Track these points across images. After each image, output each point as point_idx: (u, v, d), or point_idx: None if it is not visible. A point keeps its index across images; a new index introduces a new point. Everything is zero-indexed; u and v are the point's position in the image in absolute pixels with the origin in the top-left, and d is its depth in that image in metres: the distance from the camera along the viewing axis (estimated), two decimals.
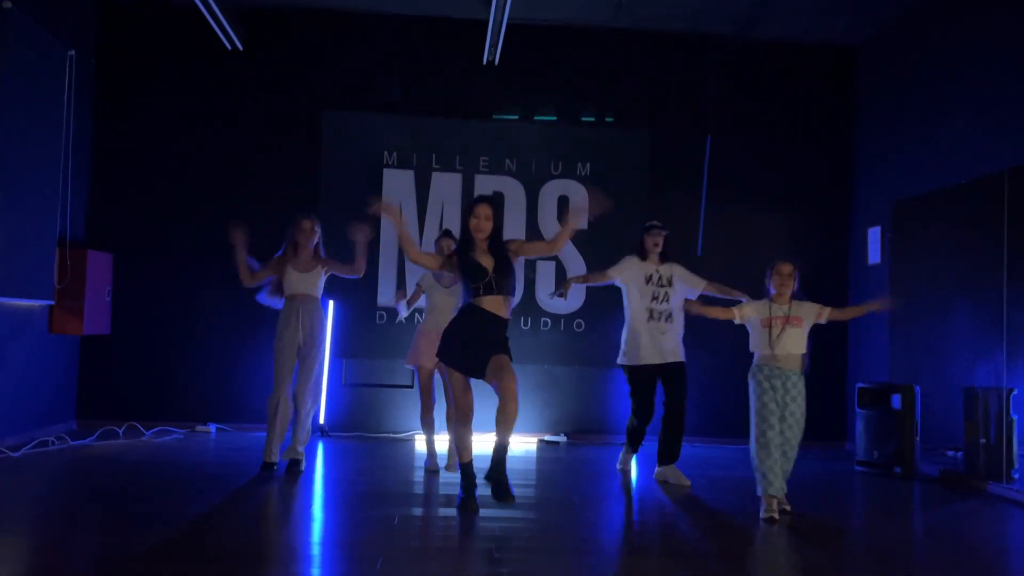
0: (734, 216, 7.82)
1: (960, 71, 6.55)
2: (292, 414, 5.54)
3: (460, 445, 4.69)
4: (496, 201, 5.02)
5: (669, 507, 5.03)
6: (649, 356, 5.70)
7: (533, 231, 7.59)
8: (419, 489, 5.36)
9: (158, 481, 5.18)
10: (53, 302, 6.61)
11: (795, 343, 4.74)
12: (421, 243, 7.41)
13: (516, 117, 7.73)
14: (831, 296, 7.78)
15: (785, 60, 7.95)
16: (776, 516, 4.62)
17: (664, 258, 5.87)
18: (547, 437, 7.47)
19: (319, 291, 5.67)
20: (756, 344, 4.82)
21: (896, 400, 6.23)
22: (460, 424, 4.67)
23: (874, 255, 7.42)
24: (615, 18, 7.59)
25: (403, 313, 6.02)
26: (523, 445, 7.12)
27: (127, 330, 7.30)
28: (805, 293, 4.96)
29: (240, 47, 7.31)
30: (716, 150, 7.82)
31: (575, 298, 7.58)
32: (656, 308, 5.74)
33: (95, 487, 5.02)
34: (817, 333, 7.71)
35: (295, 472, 5.46)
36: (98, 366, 7.30)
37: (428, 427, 5.82)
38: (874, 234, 7.43)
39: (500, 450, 4.52)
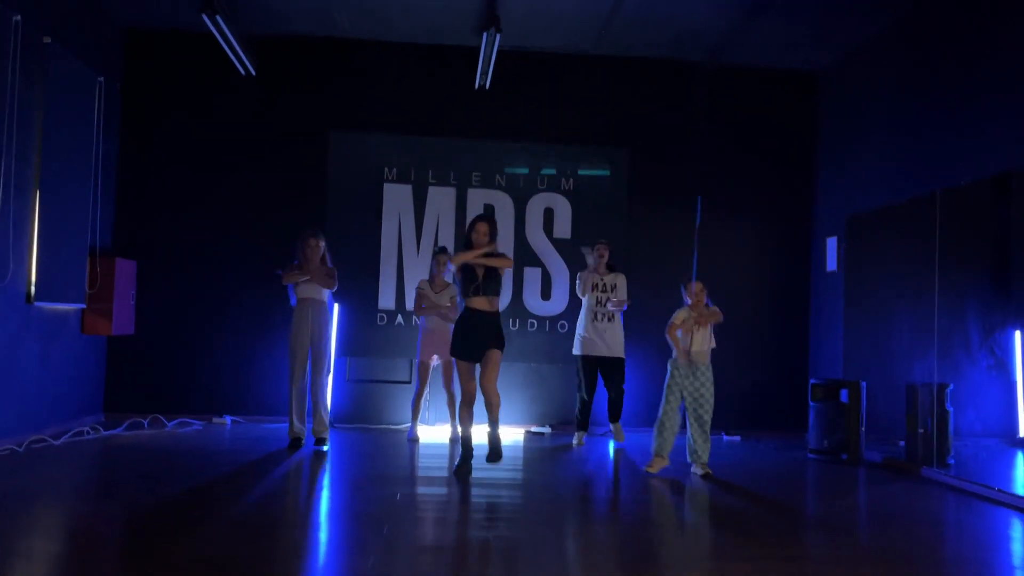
0: (705, 227, 8.50)
1: (907, 99, 7.27)
2: (308, 397, 6.56)
3: (463, 422, 5.79)
4: (492, 217, 5.84)
5: (636, 489, 5.75)
6: (592, 349, 7.24)
7: (520, 240, 8.29)
8: (418, 472, 6.06)
9: (187, 464, 5.87)
10: (85, 305, 7.29)
11: (705, 340, 6.07)
12: (418, 251, 8.12)
13: (506, 135, 8.41)
14: (794, 299, 8.59)
15: (754, 85, 8.67)
16: (654, 470, 6.02)
17: (610, 268, 7.37)
18: (533, 428, 8.18)
19: (326, 295, 6.65)
20: (683, 343, 6.08)
21: (844, 394, 6.95)
22: (465, 405, 5.77)
23: (831, 263, 8.15)
24: (598, 46, 8.30)
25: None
26: (511, 436, 7.82)
27: (150, 330, 7.98)
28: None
29: (253, 72, 8.00)
30: (686, 168, 8.53)
31: (559, 301, 8.30)
32: (599, 311, 7.23)
33: (137, 469, 5.71)
34: (781, 334, 8.52)
35: (322, 444, 6.56)
36: (124, 363, 7.99)
37: (417, 409, 7.32)
38: (831, 244, 8.15)
39: (493, 438, 5.74)
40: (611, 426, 7.49)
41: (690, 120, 8.60)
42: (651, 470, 6.06)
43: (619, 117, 8.56)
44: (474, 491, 5.34)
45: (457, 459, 5.88)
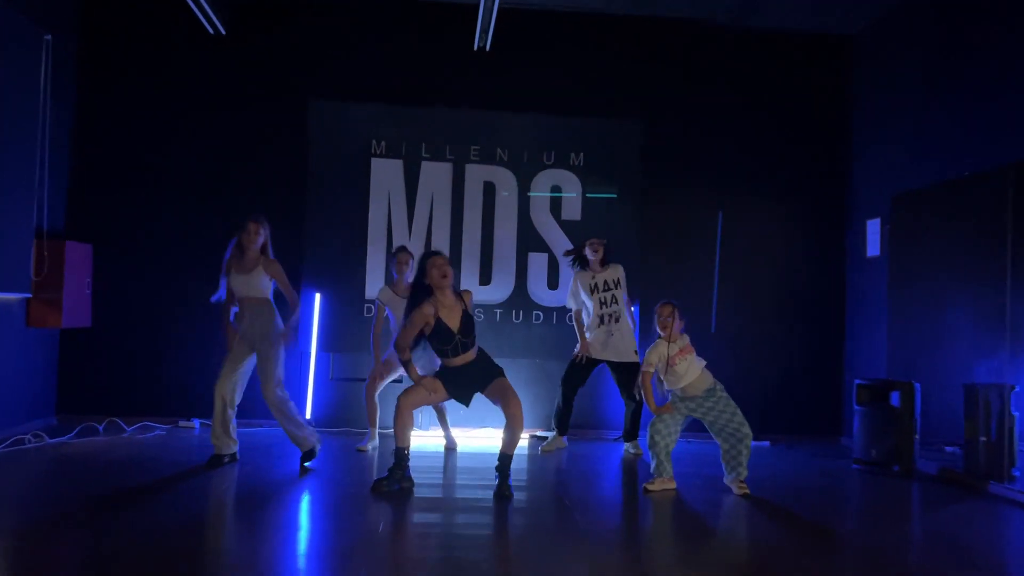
0: (728, 209, 7.67)
1: (960, 60, 6.39)
2: (231, 410, 5.58)
3: (401, 434, 4.99)
4: (444, 255, 5.12)
5: (665, 512, 4.90)
6: (592, 352, 6.50)
7: (525, 221, 7.43)
8: (416, 491, 5.20)
9: (132, 482, 4.99)
10: (30, 295, 6.41)
11: (694, 368, 5.25)
12: (410, 234, 7.25)
13: (508, 105, 7.52)
14: (829, 289, 7.73)
15: (780, 50, 7.78)
16: (655, 489, 5.21)
17: (605, 262, 6.53)
18: (539, 432, 7.33)
19: (266, 291, 5.58)
20: (673, 383, 5.27)
21: (895, 397, 6.10)
22: (404, 410, 4.95)
23: (873, 247, 7.28)
24: (611, 4, 7.40)
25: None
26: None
27: (109, 323, 7.12)
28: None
29: (223, 32, 7.10)
30: (710, 142, 7.66)
31: (567, 290, 7.42)
32: (606, 313, 6.45)
33: (62, 490, 4.85)
34: (813, 328, 7.66)
35: (310, 457, 5.61)
36: (79, 360, 7.12)
37: (371, 397, 6.30)
38: (873, 226, 7.28)
39: (503, 459, 5.01)
40: (626, 445, 6.65)
41: (711, 89, 7.71)
42: (652, 488, 5.23)
43: (633, 85, 7.67)
44: (471, 519, 4.48)
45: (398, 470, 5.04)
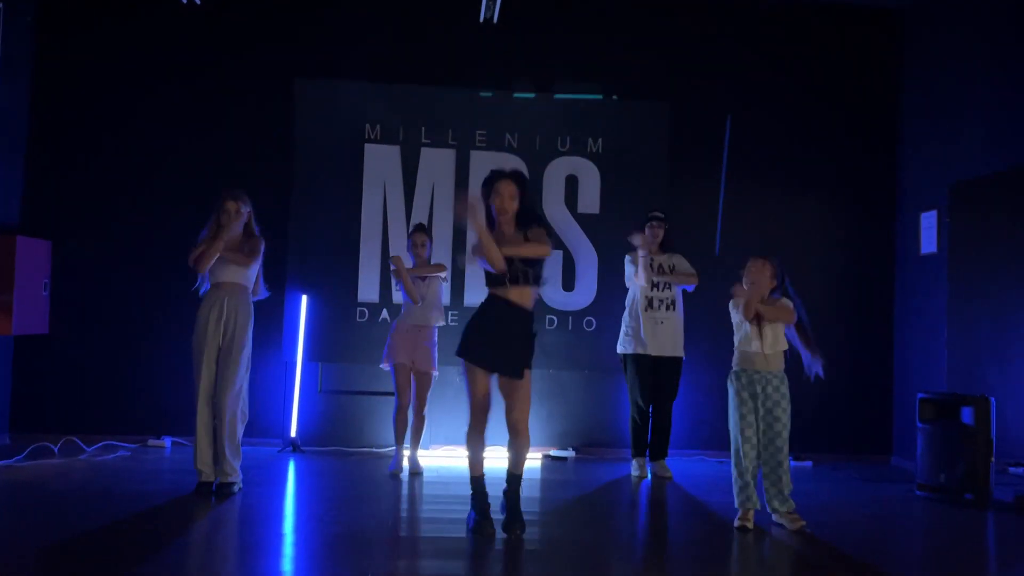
0: (764, 201, 6.88)
1: None
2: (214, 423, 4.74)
3: (472, 458, 4.21)
4: (520, 177, 4.16)
5: (699, 543, 4.09)
6: (645, 346, 5.75)
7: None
8: (402, 529, 4.40)
9: (87, 515, 4.19)
10: None
11: (774, 340, 4.46)
12: (408, 228, 6.44)
13: (519, 86, 6.73)
14: (876, 290, 6.92)
15: (821, 25, 6.99)
16: (749, 525, 4.37)
17: (665, 248, 5.92)
18: (553, 452, 6.53)
19: (249, 280, 4.85)
20: (745, 342, 4.50)
21: (967, 414, 5.30)
22: (474, 432, 4.18)
23: (928, 244, 6.48)
24: None
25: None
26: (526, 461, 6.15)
27: (68, 329, 6.33)
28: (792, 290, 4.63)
29: (198, 2, 6.31)
30: (743, 127, 6.86)
31: (585, 292, 6.66)
32: (656, 296, 5.80)
33: (6, 523, 4.05)
34: (858, 334, 6.86)
35: (225, 495, 4.66)
36: (33, 370, 6.32)
37: (400, 427, 5.58)
38: (928, 220, 6.49)
39: (512, 481, 4.16)
40: (653, 464, 5.85)
41: (745, 68, 6.92)
42: (747, 524, 4.39)
43: (659, 63, 6.88)
44: (484, 567, 3.67)
45: (471, 513, 4.21)
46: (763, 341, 4.42)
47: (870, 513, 5.06)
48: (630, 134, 6.73)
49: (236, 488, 4.75)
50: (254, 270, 4.88)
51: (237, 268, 4.79)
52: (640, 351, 5.76)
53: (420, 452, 5.75)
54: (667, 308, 5.80)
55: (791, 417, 4.47)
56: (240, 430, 4.78)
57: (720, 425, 6.60)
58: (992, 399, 5.30)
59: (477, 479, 4.19)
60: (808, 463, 6.53)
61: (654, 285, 5.80)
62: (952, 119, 6.38)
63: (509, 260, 4.00)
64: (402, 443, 5.62)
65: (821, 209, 6.97)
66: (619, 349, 5.91)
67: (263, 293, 5.01)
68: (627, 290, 5.98)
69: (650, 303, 5.79)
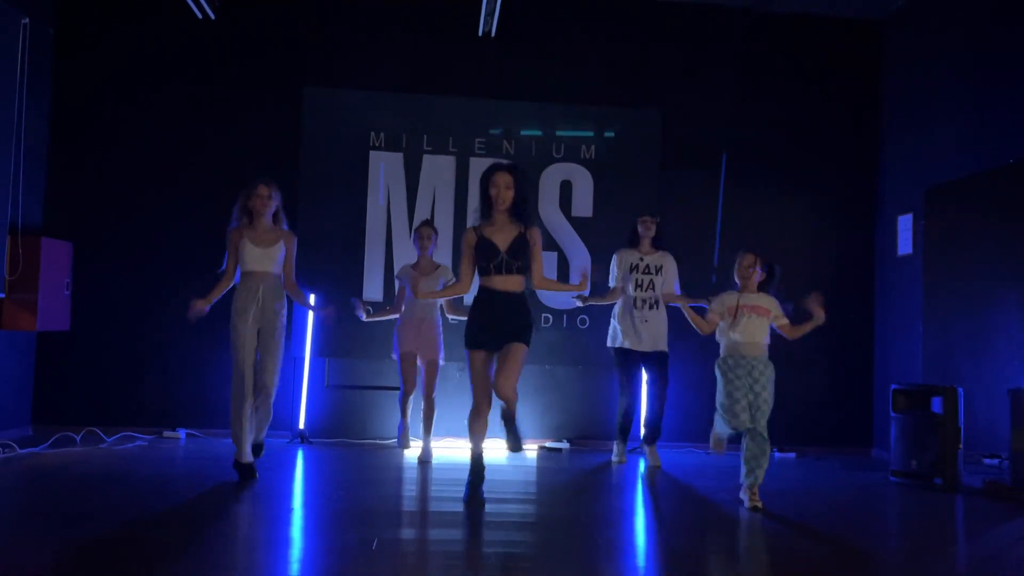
0: (752, 205, 7.20)
1: (1000, 43, 5.95)
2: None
3: (474, 434, 4.55)
4: (516, 168, 4.51)
5: (688, 526, 4.41)
6: (631, 343, 5.96)
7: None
8: (407, 505, 4.73)
9: (103, 498, 4.52)
10: (2, 295, 5.97)
11: (759, 330, 4.75)
12: (410, 231, 6.78)
13: (515, 94, 7.08)
14: (857, 289, 7.24)
15: (805, 34, 7.33)
16: (759, 504, 4.63)
17: (658, 245, 6.10)
18: (548, 444, 6.85)
19: (280, 267, 5.02)
20: (722, 332, 4.84)
21: (937, 404, 5.61)
22: (476, 413, 4.51)
23: (905, 245, 6.81)
24: None
25: (362, 317, 6.00)
26: (523, 452, 6.47)
27: (88, 326, 6.66)
28: (782, 285, 4.99)
29: (212, 16, 6.66)
30: (730, 134, 7.19)
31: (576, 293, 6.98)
32: (640, 296, 5.98)
33: (25, 504, 4.38)
34: (840, 331, 7.16)
35: (258, 454, 5.15)
36: (56, 366, 6.65)
37: (406, 406, 5.96)
38: (905, 222, 6.82)
39: (508, 413, 4.42)
40: (645, 448, 6.13)
41: (733, 78, 7.26)
42: (755, 505, 4.64)
43: (650, 72, 7.23)
44: (481, 534, 4.00)
45: (466, 486, 4.60)
46: (743, 330, 4.71)
47: (847, 497, 5.37)
48: (622, 140, 7.06)
49: (262, 451, 5.19)
50: (282, 255, 4.97)
51: (270, 257, 4.93)
52: (626, 345, 6.00)
53: (431, 442, 6.02)
54: (651, 307, 6.00)
55: (774, 409, 4.74)
56: (272, 399, 5.02)
57: (706, 418, 6.94)
58: (960, 389, 5.60)
59: (477, 457, 4.54)
60: (792, 455, 6.84)
61: (638, 285, 6.01)
62: (926, 125, 6.70)
63: (495, 252, 4.37)
64: (407, 417, 5.97)
65: (805, 212, 7.29)
66: (608, 343, 6.17)
67: (294, 285, 5.09)
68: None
69: (635, 302, 6.00)
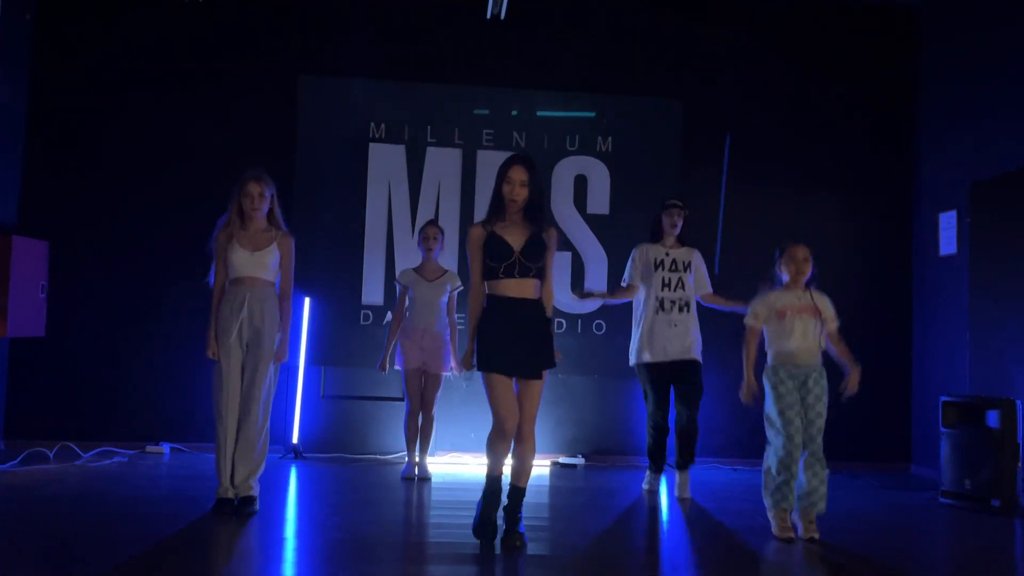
0: (780, 202, 6.72)
1: None
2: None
3: (494, 455, 3.85)
4: (532, 163, 3.96)
5: (717, 554, 3.90)
6: (660, 353, 5.17)
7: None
8: (412, 534, 4.22)
9: (82, 521, 4.03)
10: None
11: (813, 334, 4.24)
12: (413, 230, 6.31)
13: (526, 82, 6.60)
14: (893, 292, 6.75)
15: (836, 24, 6.86)
16: (793, 535, 4.13)
17: (683, 241, 5.38)
18: (562, 459, 6.34)
19: (273, 274, 4.40)
20: (770, 339, 4.32)
21: (992, 417, 5.11)
22: (500, 439, 3.81)
23: (947, 244, 6.31)
24: None
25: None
26: (534, 469, 5.96)
27: (65, 331, 6.16)
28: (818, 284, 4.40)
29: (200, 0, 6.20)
30: (758, 126, 6.73)
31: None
32: (668, 297, 5.22)
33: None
34: (874, 338, 6.67)
35: (248, 513, 4.25)
36: (28, 375, 6.16)
37: (412, 432, 5.44)
38: (947, 220, 6.32)
39: (514, 495, 3.89)
40: (676, 475, 5.23)
41: (759, 66, 6.79)
42: (788, 536, 4.11)
43: (671, 60, 6.75)
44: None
45: (477, 510, 3.93)
46: (794, 335, 4.21)
47: (894, 521, 4.88)
48: (641, 133, 6.58)
49: (256, 506, 4.29)
50: (276, 260, 4.38)
51: (260, 261, 4.33)
52: (653, 359, 5.19)
53: (427, 458, 5.55)
54: (680, 309, 5.22)
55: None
56: (265, 438, 4.34)
57: (732, 432, 6.46)
58: (1018, 402, 5.11)
59: (495, 479, 3.86)
60: (827, 471, 6.32)
61: (665, 284, 5.25)
62: (970, 118, 6.23)
63: (506, 251, 3.81)
64: (414, 448, 5.45)
65: (836, 210, 6.81)
66: (631, 360, 5.36)
67: (290, 293, 4.48)
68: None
69: (661, 304, 5.22)
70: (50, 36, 6.34)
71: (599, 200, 6.56)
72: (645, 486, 5.35)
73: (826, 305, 4.29)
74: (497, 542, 3.82)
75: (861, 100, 6.85)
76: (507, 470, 3.90)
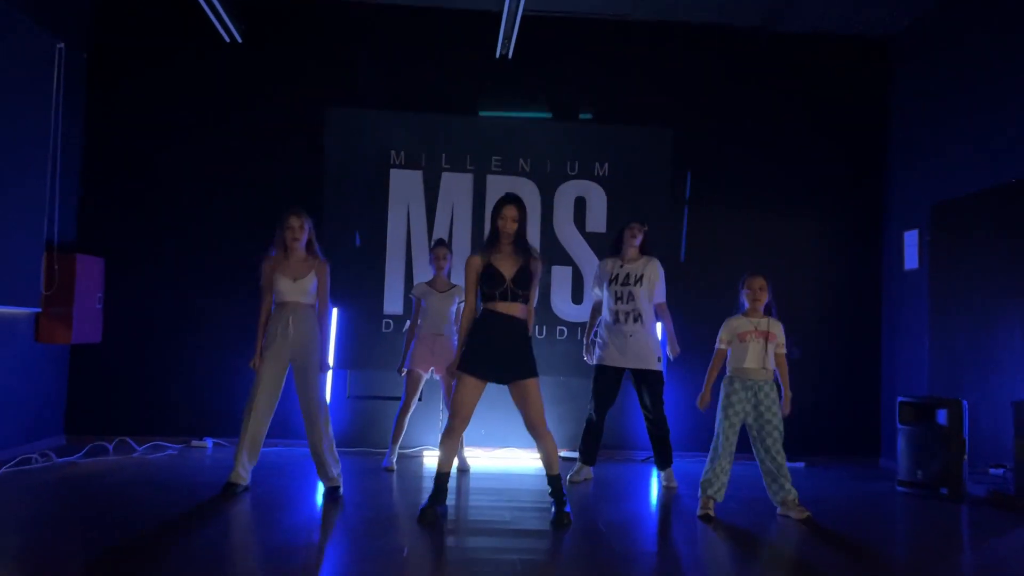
0: (759, 220, 7.41)
1: (1006, 60, 6.13)
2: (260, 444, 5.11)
3: (446, 453, 4.65)
4: (521, 203, 4.74)
5: (703, 534, 4.60)
6: (613, 359, 5.68)
7: (548, 233, 7.18)
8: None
9: (140, 503, 4.75)
10: (39, 309, 6.21)
11: (767, 354, 4.88)
12: (429, 246, 6.96)
13: (530, 114, 7.31)
14: (864, 303, 7.43)
15: (813, 53, 7.54)
16: (711, 514, 4.81)
17: (643, 252, 5.79)
18: (564, 454, 6.99)
19: (312, 297, 5.13)
20: (730, 357, 4.94)
21: (942, 415, 5.78)
22: (452, 433, 4.61)
23: (911, 260, 6.98)
24: (636, 9, 7.19)
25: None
26: (536, 462, 6.66)
27: (119, 339, 6.89)
28: (794, 334, 5.26)
29: (239, 40, 6.93)
30: (740, 150, 7.42)
31: (591, 306, 7.17)
32: (620, 309, 5.65)
33: (70, 510, 4.60)
34: (846, 344, 7.34)
35: (336, 498, 5.04)
36: (88, 377, 6.89)
37: (399, 429, 6.10)
38: (911, 238, 6.99)
39: (552, 482, 4.68)
40: (660, 473, 5.88)
41: (743, 95, 7.47)
42: (706, 513, 4.85)
43: (662, 91, 7.44)
44: (500, 543, 4.20)
45: (426, 500, 4.70)
46: (748, 354, 4.88)
47: (856, 506, 5.51)
48: (634, 159, 7.25)
49: (341, 491, 5.08)
50: (314, 285, 5.07)
51: (300, 288, 5.00)
52: (606, 363, 5.72)
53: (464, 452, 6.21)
54: (634, 320, 5.62)
55: (783, 421, 4.92)
56: (332, 437, 5.08)
57: None
58: (964, 402, 5.78)
59: (443, 476, 4.63)
60: (801, 464, 7.00)
61: (617, 297, 5.67)
62: (934, 142, 6.87)
63: (501, 281, 4.54)
64: (397, 443, 6.15)
65: (813, 228, 7.48)
66: (591, 360, 5.90)
67: (328, 312, 5.18)
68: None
69: (616, 317, 5.66)
70: (104, 73, 7.05)
71: (597, 219, 7.24)
72: (575, 477, 5.88)
73: (778, 331, 4.95)
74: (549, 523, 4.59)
75: (838, 127, 7.53)
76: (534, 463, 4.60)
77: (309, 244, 5.17)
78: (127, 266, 6.96)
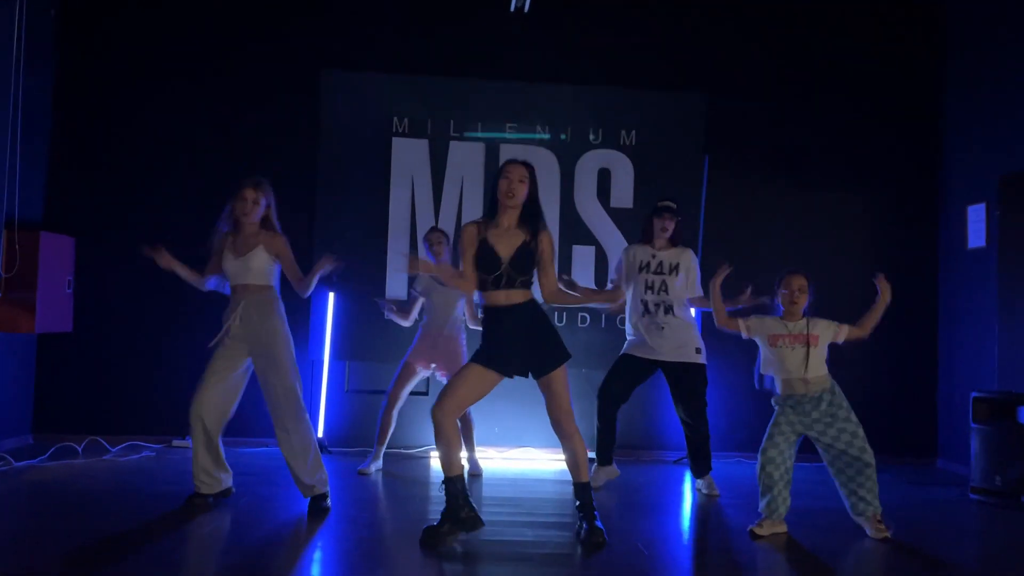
0: (803, 196, 6.67)
1: None
2: (216, 437, 4.42)
3: (444, 456, 3.82)
4: (531, 166, 3.96)
5: (763, 554, 3.89)
6: (644, 351, 5.14)
7: (568, 209, 6.46)
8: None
9: (106, 514, 4.07)
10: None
11: (816, 364, 4.22)
12: (436, 223, 6.28)
13: (549, 76, 6.56)
14: (918, 287, 6.69)
15: (862, 13, 6.77)
16: (764, 534, 4.17)
17: (674, 243, 5.24)
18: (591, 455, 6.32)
19: (269, 277, 4.36)
20: (773, 368, 4.29)
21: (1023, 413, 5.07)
22: (448, 431, 3.80)
23: (976, 238, 6.24)
24: None
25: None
26: (556, 463, 5.97)
27: (92, 327, 6.21)
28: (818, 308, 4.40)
29: None
30: (781, 119, 6.68)
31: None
32: (651, 300, 5.12)
33: (17, 530, 3.92)
34: (900, 332, 6.61)
35: (322, 509, 4.30)
36: (57, 370, 6.21)
37: (386, 427, 5.46)
38: (976, 213, 6.25)
39: (579, 492, 3.99)
40: (697, 482, 5.29)
41: (783, 59, 6.72)
42: (760, 533, 4.16)
43: (695, 53, 6.69)
44: (516, 570, 3.50)
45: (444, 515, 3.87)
46: (785, 363, 4.21)
47: (926, 517, 4.84)
48: (664, 127, 6.53)
49: (328, 502, 4.34)
50: (271, 265, 4.37)
51: (256, 268, 4.31)
52: (636, 353, 5.19)
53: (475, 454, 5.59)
54: (666, 312, 5.12)
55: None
56: (313, 441, 4.35)
57: (757, 426, 6.42)
58: None
59: (450, 481, 3.85)
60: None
61: (648, 287, 5.15)
62: (1001, 108, 6.14)
63: (495, 264, 3.82)
64: (383, 443, 5.48)
65: (858, 203, 6.74)
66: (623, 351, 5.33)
67: (306, 288, 4.42)
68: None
69: (646, 307, 5.15)
70: (74, 31, 6.35)
71: (623, 193, 6.52)
72: (594, 483, 4.95)
73: (821, 327, 4.27)
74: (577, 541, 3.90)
75: (887, 93, 6.77)
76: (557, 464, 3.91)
77: (266, 219, 4.42)
78: (101, 246, 6.26)
